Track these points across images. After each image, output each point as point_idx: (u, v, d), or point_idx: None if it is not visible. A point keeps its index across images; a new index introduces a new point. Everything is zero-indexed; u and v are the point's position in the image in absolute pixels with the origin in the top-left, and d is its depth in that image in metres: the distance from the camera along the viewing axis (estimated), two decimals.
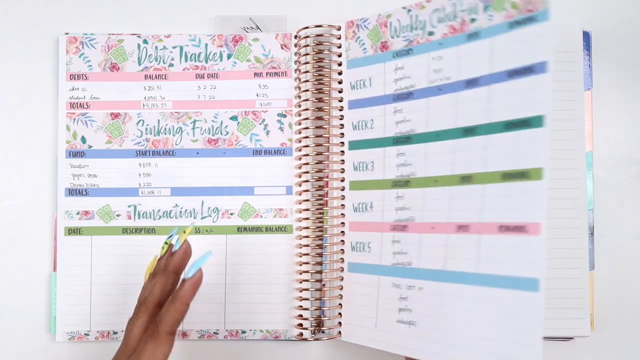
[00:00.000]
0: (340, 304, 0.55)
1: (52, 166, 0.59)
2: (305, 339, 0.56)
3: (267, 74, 0.58)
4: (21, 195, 0.59)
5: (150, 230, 0.58)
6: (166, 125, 0.58)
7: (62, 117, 0.58)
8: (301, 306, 0.56)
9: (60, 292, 0.57)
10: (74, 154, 0.58)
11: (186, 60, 0.59)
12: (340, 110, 0.57)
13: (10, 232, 0.59)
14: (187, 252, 0.48)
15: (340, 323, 0.56)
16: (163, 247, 0.49)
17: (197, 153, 0.58)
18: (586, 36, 0.57)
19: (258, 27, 0.59)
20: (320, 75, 0.57)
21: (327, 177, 0.56)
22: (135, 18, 0.60)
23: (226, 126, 0.58)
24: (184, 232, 0.48)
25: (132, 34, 0.59)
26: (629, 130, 0.59)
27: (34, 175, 0.59)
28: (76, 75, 0.59)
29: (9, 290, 0.58)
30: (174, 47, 0.59)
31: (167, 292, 0.47)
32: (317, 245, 0.56)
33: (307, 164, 0.57)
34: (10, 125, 0.59)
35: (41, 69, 0.59)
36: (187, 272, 0.46)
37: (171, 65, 0.59)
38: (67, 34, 0.59)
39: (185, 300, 0.46)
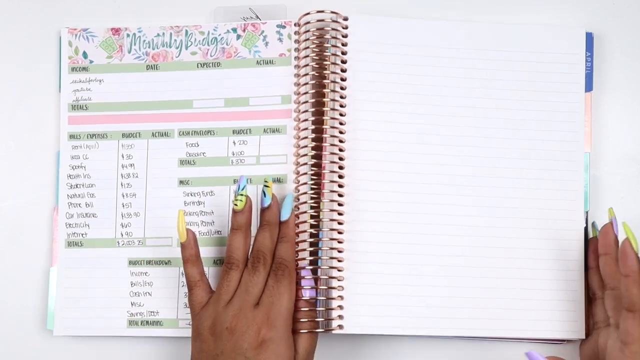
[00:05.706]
0: (340, 296, 0.55)
1: (52, 165, 0.58)
2: None
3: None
4: (21, 195, 0.58)
5: None
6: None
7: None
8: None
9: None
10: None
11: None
12: (342, 106, 0.56)
13: (10, 231, 0.58)
14: (278, 203, 0.54)
15: (340, 316, 0.54)
16: (241, 200, 0.52)
17: None
18: (589, 37, 0.58)
19: (257, 17, 0.59)
20: (321, 65, 0.56)
21: (324, 168, 0.56)
22: (135, 11, 0.60)
23: None
24: (267, 185, 0.53)
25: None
26: (629, 130, 0.59)
27: (34, 175, 0.59)
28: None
29: (7, 286, 0.58)
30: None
31: (275, 242, 0.53)
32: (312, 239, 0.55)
33: (305, 155, 0.56)
34: (11, 123, 0.59)
35: (42, 65, 0.59)
36: (283, 215, 0.53)
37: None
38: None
39: (294, 237, 0.54)
